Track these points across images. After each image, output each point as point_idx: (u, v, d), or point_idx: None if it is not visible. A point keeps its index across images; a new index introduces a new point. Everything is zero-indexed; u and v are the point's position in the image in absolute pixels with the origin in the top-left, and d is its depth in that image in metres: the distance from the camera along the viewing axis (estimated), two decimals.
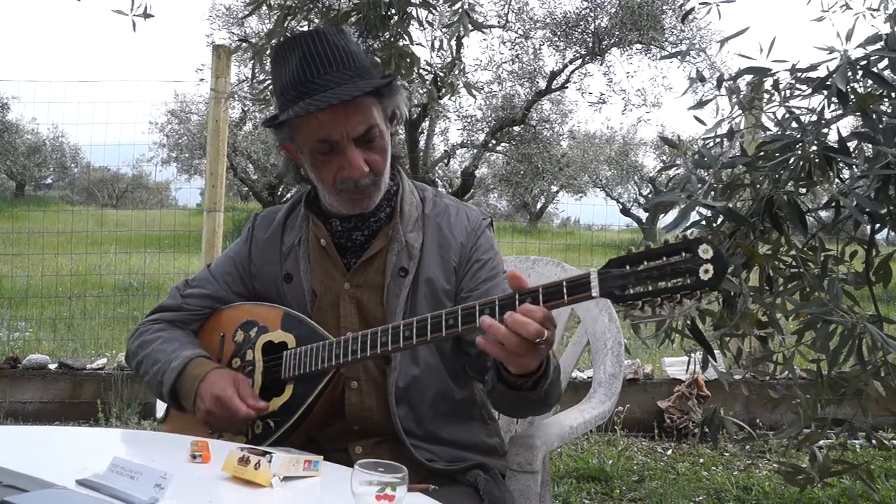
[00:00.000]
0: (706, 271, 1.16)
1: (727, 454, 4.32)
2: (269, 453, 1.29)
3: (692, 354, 2.15)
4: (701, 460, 4.19)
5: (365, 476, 1.14)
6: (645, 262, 1.22)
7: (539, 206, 19.60)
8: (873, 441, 2.12)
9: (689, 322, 1.99)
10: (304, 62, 1.60)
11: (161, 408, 1.88)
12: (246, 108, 12.35)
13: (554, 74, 10.49)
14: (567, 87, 10.85)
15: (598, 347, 2.05)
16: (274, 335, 1.72)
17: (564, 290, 1.29)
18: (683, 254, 1.19)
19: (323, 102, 1.55)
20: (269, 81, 3.17)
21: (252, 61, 3.01)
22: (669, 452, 4.37)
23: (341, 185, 1.64)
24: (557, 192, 17.54)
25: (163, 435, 1.77)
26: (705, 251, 1.17)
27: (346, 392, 1.68)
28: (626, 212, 18.79)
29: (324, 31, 1.66)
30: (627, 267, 1.23)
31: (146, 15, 2.75)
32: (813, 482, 2.23)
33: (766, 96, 2.15)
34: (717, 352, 2.13)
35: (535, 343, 1.30)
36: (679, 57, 2.25)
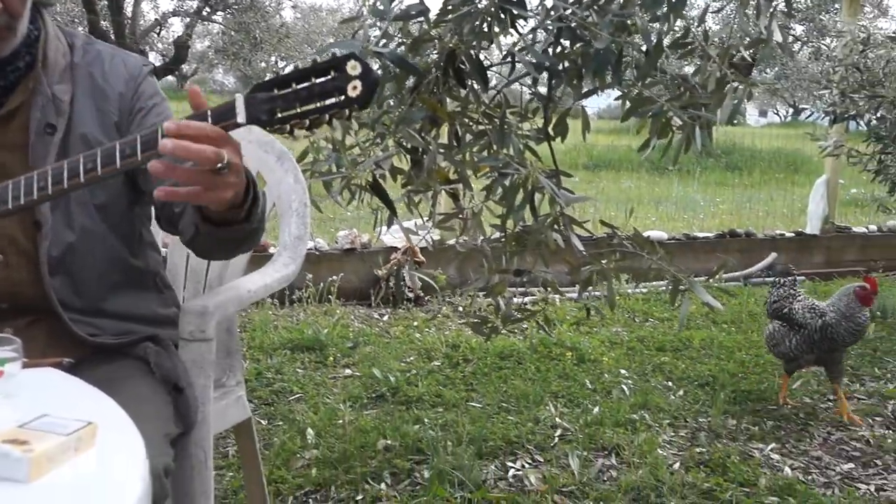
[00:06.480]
0: (354, 88, 1.11)
1: (440, 316, 4.51)
2: None
3: (377, 213, 2.13)
4: (415, 323, 4.35)
5: None
6: (293, 84, 1.14)
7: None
8: (549, 289, 2.26)
9: (370, 180, 1.96)
10: None
11: None
12: None
13: None
14: None
15: (283, 209, 1.94)
16: None
17: (209, 119, 1.17)
18: (332, 73, 1.12)
19: None
20: None
21: None
22: (386, 318, 4.49)
23: None
24: (284, 66, 16.97)
25: None
26: (353, 68, 1.11)
27: None
28: None
29: None
30: (276, 90, 1.14)
31: None
32: (497, 331, 2.35)
33: None
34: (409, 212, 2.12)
35: (218, 170, 1.16)
36: None
